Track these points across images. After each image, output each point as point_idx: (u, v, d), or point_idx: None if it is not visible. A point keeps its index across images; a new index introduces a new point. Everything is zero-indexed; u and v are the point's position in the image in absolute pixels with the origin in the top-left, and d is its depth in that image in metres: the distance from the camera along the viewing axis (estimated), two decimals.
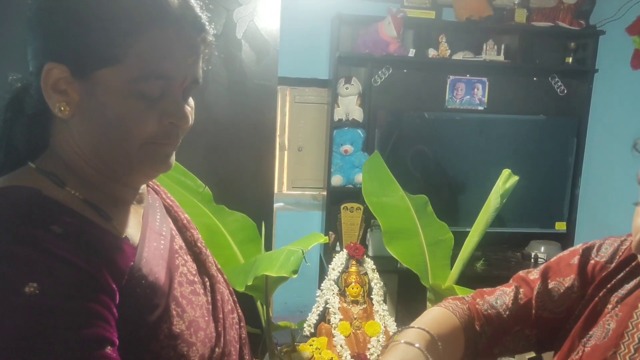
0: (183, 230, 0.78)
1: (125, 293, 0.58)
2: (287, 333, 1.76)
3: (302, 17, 2.83)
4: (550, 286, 0.82)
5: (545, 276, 0.84)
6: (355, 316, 1.83)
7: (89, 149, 0.63)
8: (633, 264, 0.75)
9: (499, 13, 2.88)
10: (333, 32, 2.84)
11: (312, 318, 1.82)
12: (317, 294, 1.88)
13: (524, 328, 0.83)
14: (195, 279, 0.72)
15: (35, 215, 0.55)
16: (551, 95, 3.02)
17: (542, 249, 2.90)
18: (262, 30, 2.11)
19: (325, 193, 2.94)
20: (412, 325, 0.78)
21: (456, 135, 2.91)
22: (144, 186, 0.73)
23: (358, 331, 1.81)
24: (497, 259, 2.84)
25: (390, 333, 1.80)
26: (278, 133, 2.77)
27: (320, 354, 1.67)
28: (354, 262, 1.93)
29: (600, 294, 0.76)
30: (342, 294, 1.89)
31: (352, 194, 2.80)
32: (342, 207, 2.70)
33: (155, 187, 0.80)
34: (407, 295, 2.56)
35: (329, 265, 1.94)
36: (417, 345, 0.72)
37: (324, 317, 1.84)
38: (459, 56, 2.82)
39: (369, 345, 1.76)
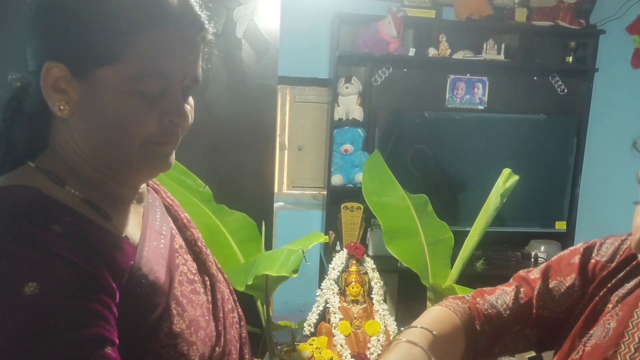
0: (183, 229, 0.78)
1: (126, 292, 0.58)
2: (287, 332, 1.76)
3: (302, 17, 2.83)
4: (551, 285, 0.82)
5: (545, 275, 0.84)
6: (355, 315, 1.83)
7: (89, 148, 0.62)
8: (633, 263, 0.75)
9: (499, 12, 2.87)
10: (333, 31, 2.84)
11: (312, 317, 1.82)
12: (317, 294, 1.88)
13: (524, 327, 0.83)
14: (196, 278, 0.72)
15: (35, 214, 0.55)
16: (551, 95, 3.02)
17: (542, 248, 2.90)
18: (262, 30, 2.10)
19: (325, 192, 2.94)
20: (414, 324, 0.78)
21: (456, 135, 2.91)
22: (144, 185, 0.73)
23: (358, 330, 1.81)
24: (497, 259, 2.84)
25: (390, 332, 1.80)
26: (278, 132, 2.77)
27: (320, 353, 1.67)
28: (354, 262, 1.93)
29: (601, 294, 0.76)
30: (342, 293, 1.89)
31: (352, 193, 2.80)
32: (342, 206, 2.70)
33: (155, 186, 0.80)
34: (407, 294, 2.56)
35: (329, 265, 1.94)
36: (420, 344, 0.72)
37: (324, 316, 1.84)
38: (459, 55, 2.82)
39: (369, 345, 1.76)
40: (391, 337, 1.78)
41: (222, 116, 2.12)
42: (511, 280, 0.89)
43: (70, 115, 0.60)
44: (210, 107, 2.09)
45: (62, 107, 0.60)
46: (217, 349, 0.69)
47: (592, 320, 0.75)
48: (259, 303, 1.76)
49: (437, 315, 0.81)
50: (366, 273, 1.93)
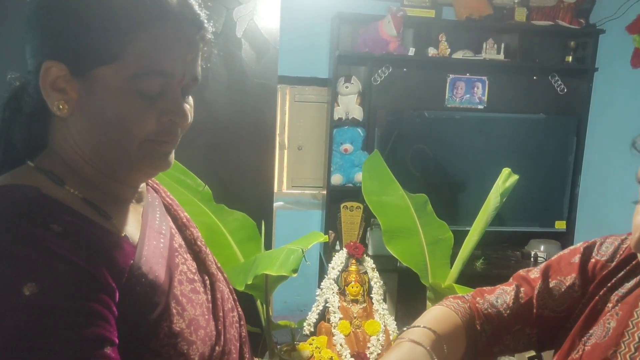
0: (183, 228, 0.78)
1: (125, 292, 0.58)
2: (287, 332, 1.76)
3: (302, 16, 2.83)
4: (551, 285, 0.82)
5: (546, 275, 0.84)
6: (355, 315, 1.83)
7: (88, 147, 0.62)
8: (633, 262, 0.75)
9: (499, 12, 2.87)
10: (333, 30, 2.84)
11: (312, 317, 1.82)
12: (317, 293, 1.88)
13: (524, 327, 0.83)
14: (195, 278, 0.72)
15: (35, 213, 0.55)
16: (551, 94, 3.02)
17: (542, 247, 2.90)
18: (262, 29, 2.10)
19: (325, 192, 2.94)
20: (416, 324, 0.78)
21: (456, 134, 2.91)
22: (143, 185, 0.73)
23: (358, 330, 1.81)
24: (496, 258, 2.84)
25: (390, 332, 1.80)
26: (278, 132, 2.77)
27: (320, 353, 1.67)
28: (353, 261, 1.93)
29: (601, 293, 0.76)
30: (341, 292, 1.88)
31: (352, 192, 2.80)
32: (342, 206, 2.70)
33: (155, 185, 0.80)
34: (407, 294, 2.56)
35: (329, 264, 1.94)
36: (423, 344, 0.72)
37: (323, 316, 1.84)
38: (458, 55, 2.82)
39: (368, 344, 1.76)
40: (391, 337, 1.78)
41: (221, 116, 2.12)
42: (511, 280, 0.89)
43: (69, 114, 0.60)
44: (210, 107, 2.09)
45: (61, 107, 0.59)
46: (217, 348, 0.69)
47: (592, 320, 0.75)
48: (258, 302, 1.76)
49: (438, 315, 0.81)
50: (366, 272, 1.92)
